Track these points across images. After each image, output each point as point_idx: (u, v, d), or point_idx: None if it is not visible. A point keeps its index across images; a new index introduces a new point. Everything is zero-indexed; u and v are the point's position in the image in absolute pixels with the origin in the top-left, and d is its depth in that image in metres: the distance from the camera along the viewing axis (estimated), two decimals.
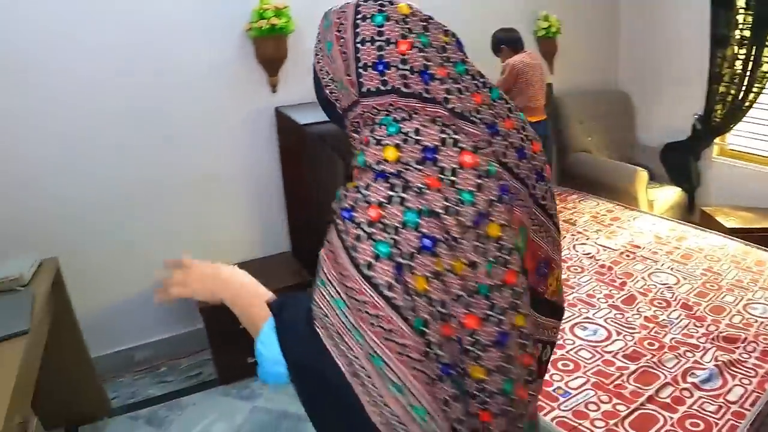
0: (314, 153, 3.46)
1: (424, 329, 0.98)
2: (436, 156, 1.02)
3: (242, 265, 3.04)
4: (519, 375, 1.08)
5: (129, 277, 3.54)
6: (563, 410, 2.05)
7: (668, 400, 2.09)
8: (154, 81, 3.29)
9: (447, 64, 1.10)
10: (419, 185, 1.00)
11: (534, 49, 4.36)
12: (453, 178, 1.02)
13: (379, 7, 1.10)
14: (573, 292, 2.86)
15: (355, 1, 1.13)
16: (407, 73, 1.07)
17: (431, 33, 1.10)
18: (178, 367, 3.77)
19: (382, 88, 1.08)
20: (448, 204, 1.00)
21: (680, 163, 4.49)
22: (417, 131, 1.04)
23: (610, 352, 2.38)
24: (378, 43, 1.08)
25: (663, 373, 2.24)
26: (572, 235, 3.57)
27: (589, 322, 2.61)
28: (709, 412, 2.01)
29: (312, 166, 3.49)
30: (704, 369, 2.23)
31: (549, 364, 1.29)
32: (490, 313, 1.03)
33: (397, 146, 1.03)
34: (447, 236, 0.99)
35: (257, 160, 3.77)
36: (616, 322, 2.60)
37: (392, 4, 1.10)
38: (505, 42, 3.68)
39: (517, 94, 3.67)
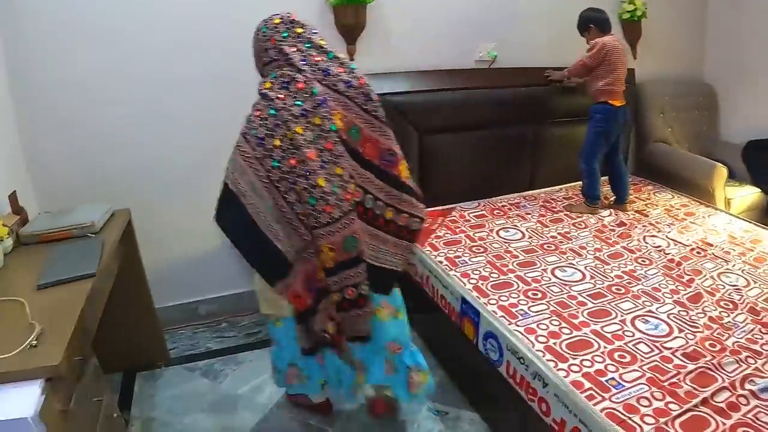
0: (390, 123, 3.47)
1: (280, 164, 2.07)
2: (288, 84, 2.12)
3: None
4: (343, 186, 2.12)
5: (197, 234, 3.62)
6: (614, 402, 2.01)
7: (723, 405, 2.02)
8: (232, 48, 3.32)
9: (299, 44, 2.22)
10: (275, 97, 2.09)
11: (617, 32, 4.24)
12: (294, 94, 2.10)
13: (263, 22, 2.32)
14: (638, 284, 2.80)
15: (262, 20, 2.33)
16: (277, 52, 2.22)
17: (289, 29, 2.25)
18: (238, 324, 3.85)
19: (268, 59, 2.26)
20: (287, 104, 2.08)
21: (763, 162, 4.33)
22: (282, 75, 2.14)
23: (669, 349, 2.32)
24: (261, 41, 2.29)
25: (721, 376, 2.16)
26: (644, 226, 3.49)
27: (652, 316, 2.55)
28: (764, 422, 1.95)
29: None
30: (765, 377, 2.16)
31: (416, 234, 2.40)
32: (321, 155, 2.09)
33: (271, 82, 2.15)
34: (289, 118, 2.06)
35: None
36: (679, 319, 2.54)
37: (270, 19, 2.30)
38: (594, 21, 3.58)
39: (601, 77, 3.56)
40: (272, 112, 2.07)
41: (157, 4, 3.21)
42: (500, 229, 3.36)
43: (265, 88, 2.14)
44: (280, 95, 2.09)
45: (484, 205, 3.72)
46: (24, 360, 1.81)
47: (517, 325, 2.45)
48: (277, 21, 2.25)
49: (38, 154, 3.28)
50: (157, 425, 2.98)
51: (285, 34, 2.21)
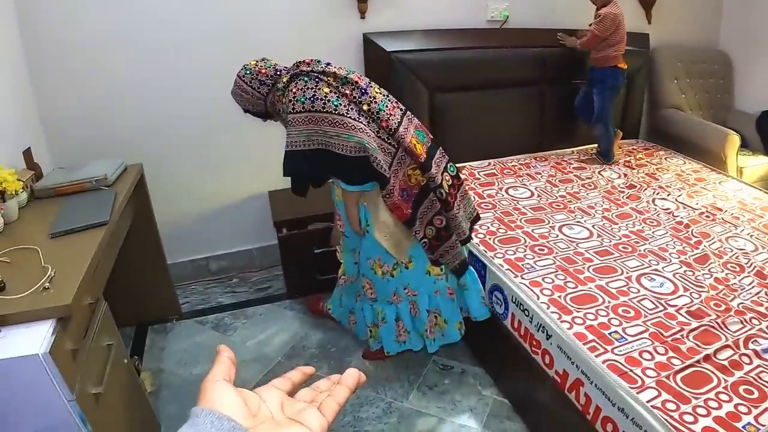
0: (400, 81, 3.48)
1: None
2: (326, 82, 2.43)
3: (327, 186, 3.06)
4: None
5: (209, 191, 3.66)
6: (616, 354, 2.03)
7: (725, 363, 2.03)
8: (241, 7, 3.32)
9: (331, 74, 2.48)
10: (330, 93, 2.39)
11: None
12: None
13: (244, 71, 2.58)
14: (645, 244, 2.80)
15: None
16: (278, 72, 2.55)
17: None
18: (249, 279, 3.89)
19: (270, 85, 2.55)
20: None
21: None
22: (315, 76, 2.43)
23: (673, 306, 2.33)
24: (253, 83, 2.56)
25: (725, 335, 2.17)
26: (653, 189, 3.47)
27: (657, 274, 2.56)
28: (766, 381, 1.96)
29: (397, 96, 3.48)
30: None
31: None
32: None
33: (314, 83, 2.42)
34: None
35: None
36: (684, 278, 2.54)
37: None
38: None
39: (610, 44, 3.56)
40: (335, 102, 2.37)
41: None
42: (509, 188, 3.36)
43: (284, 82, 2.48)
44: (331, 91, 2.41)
45: (494, 165, 3.71)
46: (36, 301, 1.85)
47: (523, 278, 2.47)
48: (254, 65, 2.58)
49: (52, 112, 3.30)
50: (167, 375, 3.03)
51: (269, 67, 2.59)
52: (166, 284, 3.45)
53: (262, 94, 2.52)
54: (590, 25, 3.60)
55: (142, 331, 3.44)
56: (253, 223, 3.70)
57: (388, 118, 2.47)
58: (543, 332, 2.21)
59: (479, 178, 3.50)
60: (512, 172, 3.59)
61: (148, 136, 3.44)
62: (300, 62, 2.50)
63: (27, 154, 3.02)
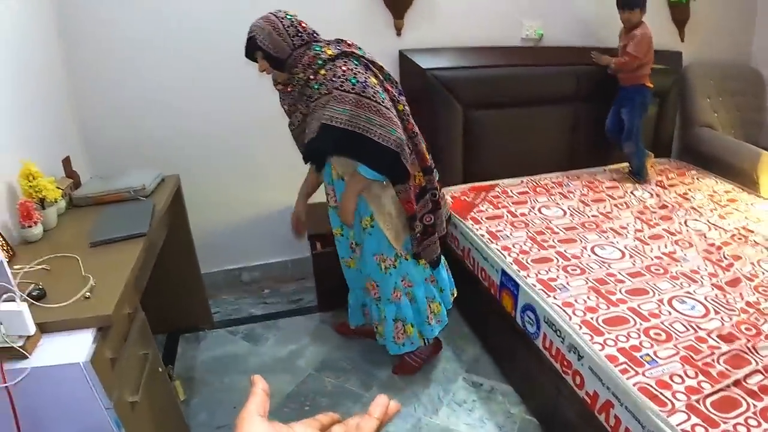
0: (435, 97, 3.55)
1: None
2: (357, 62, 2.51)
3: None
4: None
5: (244, 202, 3.73)
6: (647, 377, 2.06)
7: (755, 388, 2.05)
8: None
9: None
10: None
11: (665, 14, 4.22)
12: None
13: (281, 12, 2.55)
14: (677, 266, 2.82)
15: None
16: (309, 34, 2.57)
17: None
18: (280, 291, 3.96)
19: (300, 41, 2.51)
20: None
21: None
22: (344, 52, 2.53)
23: (704, 330, 2.35)
24: (288, 26, 2.52)
25: (755, 359, 2.19)
26: (685, 210, 3.49)
27: (689, 297, 2.58)
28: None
29: (432, 111, 3.55)
30: None
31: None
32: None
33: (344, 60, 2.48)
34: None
35: None
36: (716, 302, 2.56)
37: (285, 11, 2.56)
38: (644, 4, 3.55)
39: (644, 64, 3.59)
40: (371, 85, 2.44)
41: None
42: (542, 207, 3.39)
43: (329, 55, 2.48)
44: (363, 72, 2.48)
45: (527, 182, 3.74)
46: (78, 310, 1.92)
47: (555, 299, 2.50)
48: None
49: (90, 122, 3.40)
50: (198, 383, 3.10)
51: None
52: (199, 293, 3.51)
53: (294, 45, 2.49)
54: (622, 45, 3.62)
55: (174, 338, 3.51)
56: (287, 235, 3.76)
57: (413, 122, 2.69)
58: (575, 353, 2.24)
59: (512, 196, 3.53)
60: (545, 191, 3.62)
61: (183, 145, 3.52)
62: (340, 41, 2.58)
63: (66, 162, 3.10)
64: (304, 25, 2.54)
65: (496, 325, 3.02)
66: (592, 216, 3.30)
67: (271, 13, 2.50)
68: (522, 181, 3.76)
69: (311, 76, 2.46)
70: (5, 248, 2.33)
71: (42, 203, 2.63)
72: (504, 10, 3.79)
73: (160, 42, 3.29)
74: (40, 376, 1.80)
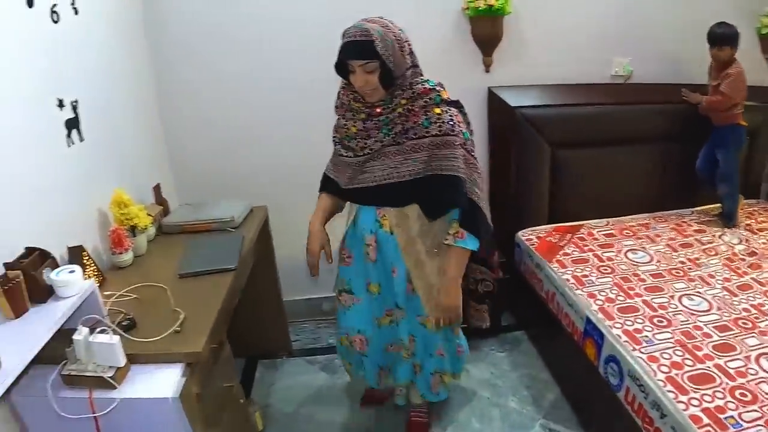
0: (523, 136, 3.56)
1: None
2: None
3: None
4: None
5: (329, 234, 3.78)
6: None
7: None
8: None
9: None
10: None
11: (755, 47, 4.09)
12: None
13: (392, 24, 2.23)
14: (766, 320, 2.74)
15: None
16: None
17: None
18: None
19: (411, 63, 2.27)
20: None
21: None
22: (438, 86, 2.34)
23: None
24: (404, 41, 2.23)
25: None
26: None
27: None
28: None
29: (519, 150, 3.56)
30: None
31: None
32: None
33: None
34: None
35: None
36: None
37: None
38: (737, 41, 3.46)
39: (737, 104, 3.50)
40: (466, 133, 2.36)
41: (291, 11, 3.39)
42: (628, 251, 3.35)
43: (447, 97, 2.34)
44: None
45: (613, 224, 3.70)
46: (168, 344, 2.02)
47: (641, 352, 2.47)
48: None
49: (179, 150, 3.58)
50: (274, 412, 3.19)
51: None
52: (280, 321, 3.59)
53: (410, 63, 2.25)
54: (714, 83, 3.53)
55: (253, 364, 3.60)
56: None
57: None
58: (657, 410, 2.21)
59: (598, 239, 3.50)
60: (631, 233, 3.56)
61: (269, 177, 3.66)
62: (440, 84, 2.36)
63: (156, 189, 3.22)
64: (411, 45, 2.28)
65: (578, 373, 3.01)
66: (679, 263, 3.23)
67: (385, 20, 2.22)
68: (608, 223, 3.71)
69: (420, 109, 2.24)
70: (96, 274, 2.42)
71: (133, 230, 2.72)
72: (593, 46, 3.78)
73: (251, 75, 3.42)
74: (128, 408, 1.89)
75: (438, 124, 2.22)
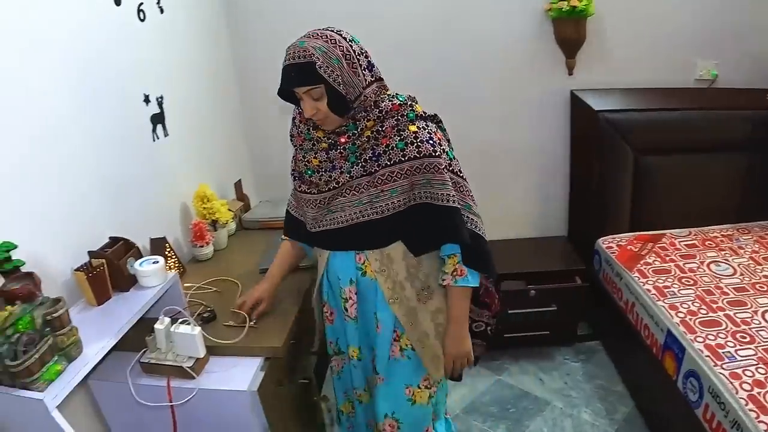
0: (607, 141, 3.49)
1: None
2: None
3: (516, 243, 3.11)
4: None
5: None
6: (723, 369, 2.34)
7: None
8: (455, 52, 3.51)
9: None
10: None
11: None
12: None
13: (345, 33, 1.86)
14: None
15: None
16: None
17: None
18: None
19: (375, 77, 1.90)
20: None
21: None
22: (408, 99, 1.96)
23: None
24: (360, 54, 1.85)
25: None
26: None
27: None
28: None
29: (601, 154, 3.49)
30: None
31: None
32: None
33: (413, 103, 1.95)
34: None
35: (547, 141, 3.87)
36: None
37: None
38: None
39: None
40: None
41: (373, 8, 3.43)
42: (711, 262, 3.25)
43: (421, 112, 1.96)
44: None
45: (695, 234, 3.59)
46: (248, 338, 2.07)
47: (723, 368, 2.39)
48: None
49: (260, 147, 3.68)
50: None
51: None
52: None
53: (365, 82, 1.86)
54: None
55: (324, 360, 3.57)
56: None
57: None
58: (737, 430, 2.16)
59: (680, 249, 3.40)
60: (714, 245, 3.45)
61: None
62: (412, 97, 1.99)
63: (238, 185, 3.28)
64: (367, 54, 1.91)
65: (654, 387, 2.94)
66: (764, 276, 3.12)
67: (332, 32, 1.84)
68: (690, 232, 3.61)
69: (392, 129, 1.87)
70: (177, 265, 2.46)
71: (214, 224, 2.77)
72: (677, 49, 3.69)
73: None
74: (205, 398, 1.93)
75: (415, 144, 1.83)
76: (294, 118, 2.01)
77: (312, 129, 1.93)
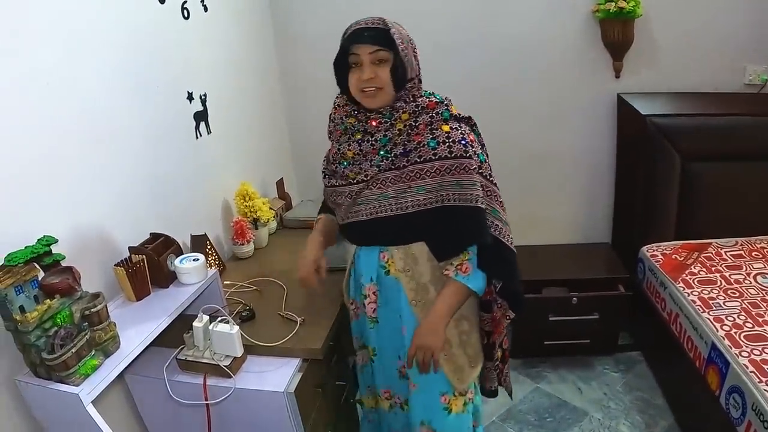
0: (654, 146, 3.43)
1: None
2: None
3: (559, 248, 3.08)
4: None
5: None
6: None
7: None
8: (499, 53, 3.49)
9: None
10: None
11: None
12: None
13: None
14: None
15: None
16: None
17: None
18: None
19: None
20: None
21: None
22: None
23: None
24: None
25: None
26: None
27: None
28: None
29: (647, 159, 3.43)
30: None
31: None
32: None
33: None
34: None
35: (593, 145, 3.82)
36: None
37: None
38: None
39: None
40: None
41: (415, 8, 3.39)
42: (758, 274, 3.17)
43: (456, 113, 1.96)
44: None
45: (742, 244, 3.51)
46: (287, 338, 2.07)
47: (767, 385, 2.30)
48: None
49: (303, 147, 3.69)
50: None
51: None
52: None
53: (417, 72, 1.93)
54: None
55: None
56: None
57: None
58: None
59: (726, 259, 3.33)
60: (761, 255, 3.37)
61: None
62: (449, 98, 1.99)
63: (279, 184, 3.29)
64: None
65: (696, 402, 2.88)
66: None
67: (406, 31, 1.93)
68: (737, 242, 3.52)
69: (425, 127, 1.88)
70: (217, 263, 2.47)
71: (255, 223, 2.78)
72: (726, 53, 3.61)
73: None
74: (241, 398, 1.93)
75: (447, 144, 1.83)
76: (330, 115, 2.03)
77: (346, 117, 1.94)
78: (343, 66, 1.88)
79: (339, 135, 1.98)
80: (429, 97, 1.90)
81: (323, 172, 2.11)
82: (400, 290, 1.97)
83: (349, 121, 1.92)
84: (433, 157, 1.82)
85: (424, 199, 1.84)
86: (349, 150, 1.92)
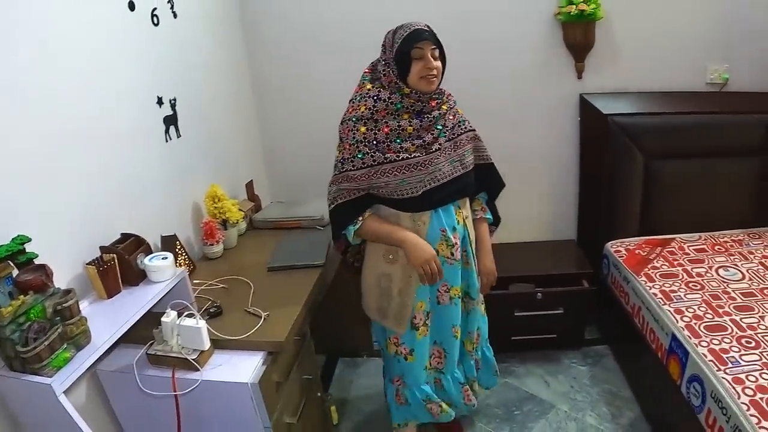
0: (616, 145, 3.53)
1: None
2: None
3: (525, 246, 3.23)
4: None
5: None
6: (726, 374, 2.34)
7: None
8: (465, 56, 3.54)
9: None
10: None
11: None
12: None
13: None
14: None
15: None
16: None
17: None
18: None
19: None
20: None
21: None
22: None
23: None
24: None
25: None
26: None
27: None
28: None
29: (611, 158, 3.55)
30: None
31: None
32: None
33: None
34: None
35: (557, 144, 3.92)
36: None
37: None
38: None
39: None
40: None
41: (382, 13, 3.39)
42: (720, 267, 3.28)
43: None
44: None
45: (705, 239, 3.62)
46: (252, 332, 2.14)
47: (726, 373, 2.40)
48: None
49: (274, 150, 3.78)
50: (350, 408, 3.32)
51: None
52: (362, 321, 3.60)
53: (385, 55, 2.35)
54: None
55: (333, 361, 3.71)
56: None
57: None
58: None
59: (689, 254, 3.44)
60: (723, 249, 3.48)
61: None
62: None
63: (249, 186, 3.36)
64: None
65: (660, 392, 2.99)
66: None
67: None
68: (700, 237, 3.64)
69: (450, 109, 2.44)
70: (187, 263, 2.54)
71: (224, 224, 2.85)
72: (687, 53, 3.71)
73: (341, 83, 3.43)
74: (208, 389, 2.01)
75: (467, 122, 2.52)
76: (356, 104, 2.32)
77: (406, 98, 2.25)
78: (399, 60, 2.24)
79: (384, 114, 2.26)
80: (445, 90, 2.45)
81: (360, 157, 2.27)
82: (467, 233, 2.49)
83: (409, 101, 2.25)
84: (465, 129, 2.48)
85: (472, 160, 2.47)
86: (410, 126, 2.25)
